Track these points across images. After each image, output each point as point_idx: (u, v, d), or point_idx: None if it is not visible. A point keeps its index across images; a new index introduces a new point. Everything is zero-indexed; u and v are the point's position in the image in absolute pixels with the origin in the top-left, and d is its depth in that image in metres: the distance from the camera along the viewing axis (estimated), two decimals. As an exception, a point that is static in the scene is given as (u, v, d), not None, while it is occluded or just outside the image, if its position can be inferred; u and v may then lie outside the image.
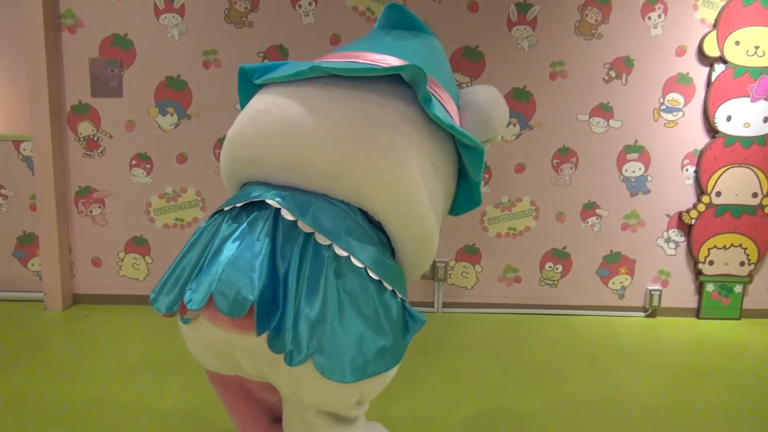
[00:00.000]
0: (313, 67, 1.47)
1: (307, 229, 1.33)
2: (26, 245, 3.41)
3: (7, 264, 3.43)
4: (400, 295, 1.41)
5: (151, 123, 3.28)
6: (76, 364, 2.61)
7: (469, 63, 3.23)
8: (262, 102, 1.51)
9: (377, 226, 1.48)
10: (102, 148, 3.31)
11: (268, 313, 1.26)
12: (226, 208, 1.45)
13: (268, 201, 1.38)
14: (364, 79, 1.51)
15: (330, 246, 1.33)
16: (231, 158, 1.56)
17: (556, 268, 3.45)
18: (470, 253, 3.44)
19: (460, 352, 2.86)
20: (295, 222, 1.34)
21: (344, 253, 1.33)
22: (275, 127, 1.44)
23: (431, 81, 1.57)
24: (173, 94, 3.24)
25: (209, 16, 3.18)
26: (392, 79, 1.51)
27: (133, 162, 3.32)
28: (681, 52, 3.22)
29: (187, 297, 1.29)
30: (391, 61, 1.54)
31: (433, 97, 1.49)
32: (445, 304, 3.47)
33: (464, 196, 1.77)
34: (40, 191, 3.25)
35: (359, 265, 1.34)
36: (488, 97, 1.73)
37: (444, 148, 1.58)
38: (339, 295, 1.29)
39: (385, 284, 1.37)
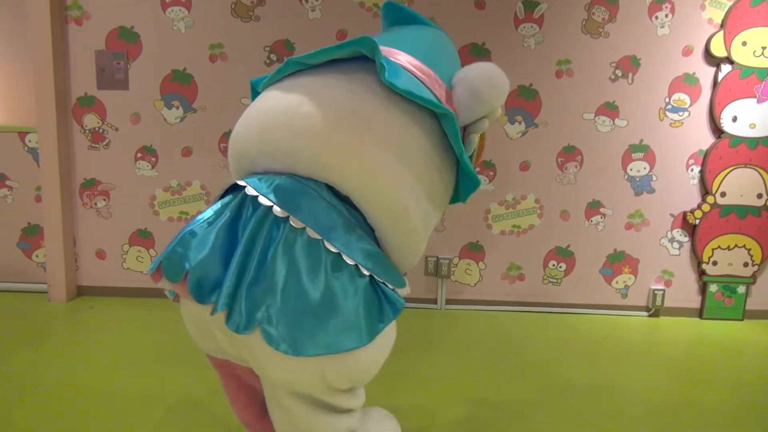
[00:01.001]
0: (288, 61, 1.55)
1: (267, 203, 1.35)
2: (31, 236, 3.42)
3: (12, 255, 3.43)
4: (369, 273, 1.37)
5: (157, 116, 3.28)
6: (80, 355, 2.62)
7: (476, 60, 3.22)
8: (255, 101, 1.60)
9: (351, 205, 1.46)
10: (107, 140, 3.31)
11: (210, 282, 1.29)
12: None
13: (239, 182, 1.44)
14: (338, 63, 1.55)
15: (287, 218, 1.34)
16: (230, 155, 1.64)
17: (560, 267, 3.45)
18: (474, 251, 3.44)
19: (463, 349, 2.86)
20: (256, 197, 1.37)
21: (300, 225, 1.33)
22: (253, 120, 1.53)
23: (415, 64, 1.56)
24: (179, 87, 3.25)
25: (216, 10, 3.18)
26: (365, 60, 1.53)
27: (138, 155, 3.32)
28: (688, 51, 3.21)
29: (151, 264, 1.38)
30: (395, 54, 1.56)
31: (400, 69, 1.49)
32: (449, 301, 3.47)
33: (463, 177, 1.70)
34: (45, 183, 3.25)
35: (316, 236, 1.33)
36: (481, 71, 1.65)
37: (416, 120, 1.51)
38: (290, 267, 1.29)
39: (345, 258, 1.34)
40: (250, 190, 1.38)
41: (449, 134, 1.55)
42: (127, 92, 3.26)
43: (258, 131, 1.50)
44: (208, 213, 1.40)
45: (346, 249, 1.35)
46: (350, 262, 1.34)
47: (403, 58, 1.56)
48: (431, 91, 1.53)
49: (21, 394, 2.21)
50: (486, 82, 1.61)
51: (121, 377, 2.39)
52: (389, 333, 1.45)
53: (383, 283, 1.41)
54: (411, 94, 1.45)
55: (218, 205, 1.42)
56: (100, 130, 3.30)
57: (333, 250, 1.33)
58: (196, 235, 1.33)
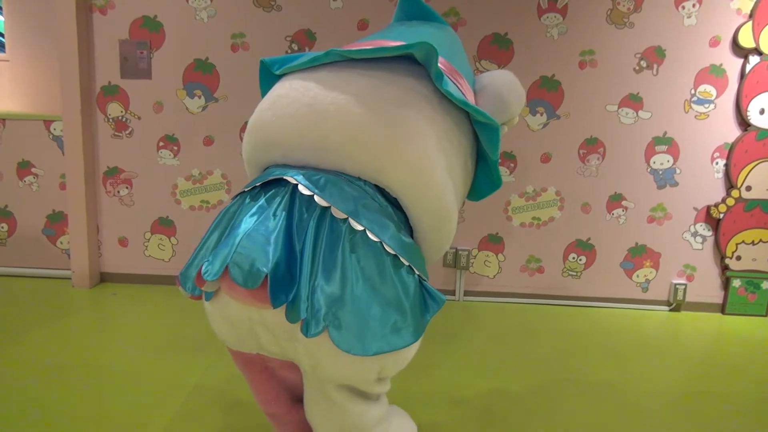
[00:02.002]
0: (329, 52, 1.50)
1: (324, 204, 1.34)
2: (55, 223, 3.48)
3: (37, 242, 3.50)
4: (417, 272, 1.40)
5: (179, 105, 3.30)
6: (103, 340, 2.67)
7: (498, 50, 3.21)
8: (281, 88, 1.54)
9: (395, 205, 1.48)
10: (130, 129, 3.35)
11: (283, 285, 1.26)
12: (247, 189, 1.49)
13: (286, 177, 1.40)
14: (377, 61, 1.53)
15: (346, 219, 1.33)
16: (252, 144, 1.58)
17: (580, 260, 3.42)
18: (493, 242, 3.43)
19: (481, 340, 2.86)
20: (311, 197, 1.35)
21: (360, 227, 1.33)
22: (291, 109, 1.46)
23: (449, 67, 1.59)
24: (201, 76, 3.27)
25: (238, 0, 3.19)
26: (406, 60, 1.53)
27: (161, 144, 3.35)
28: (715, 42, 3.15)
29: (204, 268, 1.29)
30: None
31: (446, 76, 1.50)
32: (467, 293, 3.47)
33: (483, 177, 1.76)
34: (69, 171, 3.30)
35: (375, 239, 1.33)
36: (504, 79, 1.73)
37: (459, 126, 1.56)
38: (355, 269, 1.29)
39: (402, 259, 1.36)
40: (304, 189, 1.36)
41: (489, 142, 1.60)
42: (150, 81, 3.28)
43: (304, 122, 1.44)
44: (253, 210, 1.37)
45: (401, 250, 1.37)
46: (405, 262, 1.37)
47: (464, 86, 1.62)
48: (462, 92, 1.57)
49: (46, 378, 2.26)
50: (511, 90, 1.69)
51: (142, 362, 2.43)
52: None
53: (420, 277, 1.42)
54: (466, 105, 1.50)
55: (262, 200, 1.39)
56: (124, 119, 3.34)
57: (391, 251, 1.35)
58: (257, 238, 1.29)
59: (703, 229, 3.36)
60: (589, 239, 3.40)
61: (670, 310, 3.44)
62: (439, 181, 1.45)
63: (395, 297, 1.32)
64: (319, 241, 1.31)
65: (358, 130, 1.40)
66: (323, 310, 1.25)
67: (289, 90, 1.50)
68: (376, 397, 1.54)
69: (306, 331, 1.26)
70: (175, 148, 3.35)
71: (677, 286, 3.38)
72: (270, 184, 1.44)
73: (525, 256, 3.44)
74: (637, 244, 3.39)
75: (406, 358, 1.44)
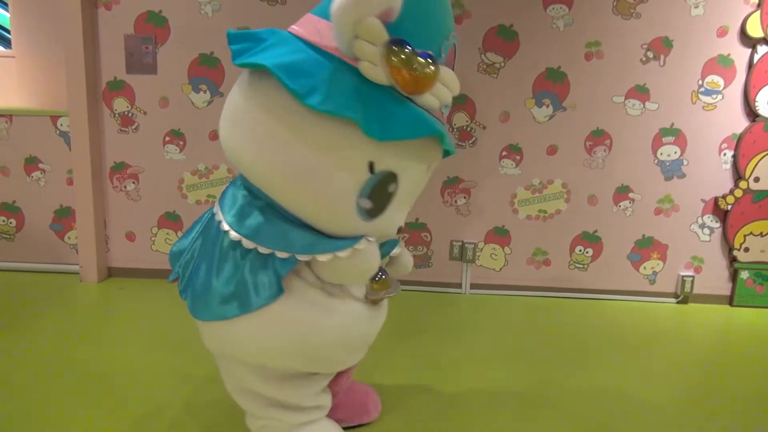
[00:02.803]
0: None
1: (224, 226, 1.48)
2: (63, 219, 3.50)
3: (45, 237, 3.52)
4: (252, 246, 1.42)
5: (185, 100, 3.31)
6: (111, 334, 2.68)
7: (503, 42, 3.19)
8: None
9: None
10: (136, 124, 3.36)
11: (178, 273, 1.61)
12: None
13: (214, 206, 1.61)
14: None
15: (215, 209, 1.54)
16: None
17: (587, 252, 3.41)
18: (499, 235, 3.42)
19: (487, 334, 2.86)
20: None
21: (220, 217, 1.49)
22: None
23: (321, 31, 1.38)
24: (206, 71, 3.27)
25: (243, -7, 3.19)
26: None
27: (167, 138, 3.36)
28: (722, 32, 3.13)
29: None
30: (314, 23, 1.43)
31: (253, 47, 1.38)
32: (473, 286, 3.46)
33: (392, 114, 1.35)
34: (76, 166, 3.32)
35: (225, 228, 1.46)
36: None
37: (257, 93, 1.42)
38: (210, 252, 1.49)
39: (233, 234, 1.44)
40: (217, 214, 1.53)
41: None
42: (156, 76, 3.29)
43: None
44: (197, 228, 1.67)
45: (248, 235, 1.43)
46: (243, 243, 1.43)
47: (320, 26, 1.40)
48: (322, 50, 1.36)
49: (54, 372, 2.27)
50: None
51: (150, 356, 2.44)
52: (289, 312, 1.46)
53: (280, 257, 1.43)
54: (253, 65, 1.37)
55: (206, 215, 1.66)
56: (130, 114, 3.34)
57: (225, 229, 1.46)
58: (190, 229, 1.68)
59: (710, 220, 3.34)
60: (595, 231, 3.39)
61: (678, 303, 3.42)
62: (235, 143, 1.47)
63: (229, 275, 1.44)
64: (200, 237, 1.58)
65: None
66: (186, 284, 1.56)
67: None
68: (293, 406, 1.64)
69: (180, 294, 1.60)
70: (181, 142, 3.36)
71: (685, 278, 3.36)
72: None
73: (531, 249, 3.43)
74: (644, 236, 3.38)
75: (242, 334, 1.48)
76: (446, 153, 1.63)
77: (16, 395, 2.08)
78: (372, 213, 1.45)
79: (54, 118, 3.38)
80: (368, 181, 1.39)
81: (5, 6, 3.49)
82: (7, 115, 3.38)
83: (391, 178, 1.42)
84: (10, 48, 3.53)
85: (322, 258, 1.42)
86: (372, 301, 1.62)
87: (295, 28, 1.44)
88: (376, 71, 1.28)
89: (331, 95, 1.27)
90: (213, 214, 1.55)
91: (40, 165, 3.43)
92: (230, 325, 1.47)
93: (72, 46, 3.18)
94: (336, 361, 1.61)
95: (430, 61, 1.28)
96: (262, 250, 1.41)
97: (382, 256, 1.59)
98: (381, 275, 1.62)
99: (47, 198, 3.47)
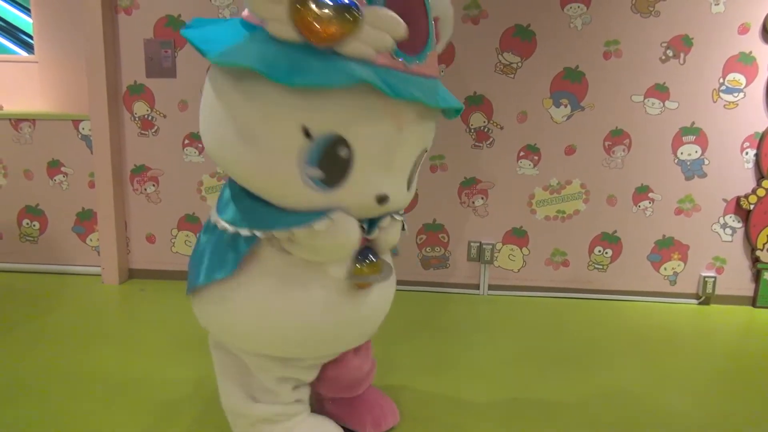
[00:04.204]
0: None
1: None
2: (85, 221, 3.55)
3: (68, 239, 3.57)
4: (225, 225, 1.45)
5: (203, 103, 3.34)
6: (133, 335, 2.71)
7: (521, 42, 3.18)
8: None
9: None
10: (156, 127, 3.40)
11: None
12: None
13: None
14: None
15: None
16: None
17: (606, 253, 3.39)
18: (517, 236, 3.41)
19: (506, 335, 2.85)
20: None
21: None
22: None
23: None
24: (224, 74, 3.29)
25: (260, -3, 3.20)
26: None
27: (186, 141, 3.40)
28: (744, 29, 3.08)
29: None
30: None
31: (207, 30, 1.40)
32: (491, 287, 3.45)
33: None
34: (98, 169, 3.36)
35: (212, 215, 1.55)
36: None
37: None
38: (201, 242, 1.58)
39: (213, 216, 1.52)
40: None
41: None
42: (175, 80, 3.32)
43: None
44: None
45: (218, 211, 1.52)
46: (213, 219, 1.52)
47: None
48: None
49: (75, 373, 2.30)
50: None
51: (171, 357, 2.47)
52: (245, 288, 1.48)
53: (245, 230, 1.43)
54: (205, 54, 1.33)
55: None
56: (149, 118, 3.38)
57: (212, 220, 1.53)
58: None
59: (732, 220, 3.30)
60: (615, 232, 3.36)
61: (699, 304, 3.38)
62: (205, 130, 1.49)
63: (203, 248, 1.54)
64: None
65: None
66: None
67: None
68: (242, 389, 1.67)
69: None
70: (200, 145, 3.39)
71: (706, 279, 3.32)
72: None
73: (550, 250, 3.41)
74: (664, 236, 3.34)
75: (206, 309, 1.59)
76: (453, 112, 1.51)
77: (37, 396, 2.12)
78: (328, 182, 1.35)
79: (76, 122, 3.43)
80: (311, 149, 1.30)
81: (28, 12, 3.56)
82: (31, 120, 3.44)
83: (338, 142, 1.32)
84: (33, 53, 3.60)
85: (279, 235, 1.42)
86: (357, 285, 1.50)
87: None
88: (284, 29, 1.22)
89: (233, 50, 1.26)
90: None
91: (63, 168, 3.49)
92: (200, 297, 1.58)
93: (93, 50, 3.22)
94: (297, 345, 1.55)
95: (346, 6, 1.19)
96: (230, 228, 1.44)
97: (369, 231, 1.51)
98: (370, 257, 1.51)
99: (69, 201, 3.53)
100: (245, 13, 1.38)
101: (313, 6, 1.18)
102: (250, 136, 1.32)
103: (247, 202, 1.44)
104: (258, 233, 1.40)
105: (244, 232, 1.41)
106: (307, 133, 1.29)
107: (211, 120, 1.41)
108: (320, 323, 1.49)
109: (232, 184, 1.52)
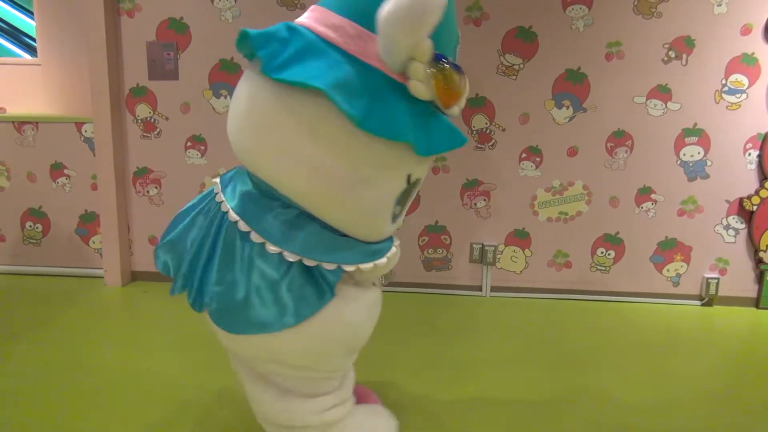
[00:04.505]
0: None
1: (225, 208, 1.48)
2: (88, 223, 3.56)
3: (70, 241, 3.58)
4: (295, 259, 1.40)
5: (206, 105, 3.35)
6: (136, 337, 2.72)
7: (522, 44, 3.17)
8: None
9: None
10: (158, 129, 3.40)
11: (182, 278, 1.53)
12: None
13: (217, 194, 1.56)
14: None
15: (234, 217, 1.45)
16: None
17: (608, 254, 3.38)
18: (520, 238, 3.40)
19: (509, 336, 2.85)
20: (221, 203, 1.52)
21: (236, 218, 1.44)
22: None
23: (322, 15, 1.39)
24: (227, 76, 3.30)
25: (263, 0, 3.22)
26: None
27: (188, 143, 3.40)
28: (746, 30, 3.08)
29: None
30: (328, 17, 1.39)
31: (280, 51, 1.36)
32: (494, 288, 3.45)
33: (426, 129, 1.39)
34: (100, 171, 3.37)
35: (245, 229, 1.43)
36: (387, 5, 1.23)
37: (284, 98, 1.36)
38: (226, 256, 1.44)
39: (268, 246, 1.40)
40: (219, 194, 1.53)
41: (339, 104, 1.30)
42: (177, 82, 3.33)
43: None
44: (194, 200, 1.63)
45: (270, 238, 1.41)
46: (273, 250, 1.40)
47: (335, 20, 1.37)
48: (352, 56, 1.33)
49: (78, 375, 2.31)
50: (385, 17, 1.23)
51: (174, 359, 2.47)
52: (332, 316, 1.48)
53: (325, 267, 1.44)
54: (280, 79, 1.32)
55: (204, 193, 1.62)
56: (152, 120, 3.39)
57: (258, 240, 1.41)
58: (174, 222, 1.60)
59: (735, 221, 3.29)
60: (617, 233, 3.36)
61: (702, 305, 3.37)
62: (253, 150, 1.48)
63: (262, 284, 1.41)
64: (211, 231, 1.49)
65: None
66: (205, 292, 1.48)
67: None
68: (305, 393, 1.61)
69: (191, 305, 1.53)
70: (203, 147, 3.40)
71: (709, 281, 3.31)
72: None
73: (552, 251, 3.41)
74: (667, 237, 3.34)
75: (287, 345, 1.47)
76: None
77: (42, 398, 2.12)
78: (397, 216, 1.54)
79: (79, 125, 3.44)
80: (403, 191, 1.48)
81: (31, 15, 3.56)
82: (34, 122, 3.45)
83: (417, 183, 1.53)
84: (36, 56, 3.61)
85: (379, 263, 1.52)
86: (373, 284, 1.68)
87: (319, 29, 1.38)
88: (422, 88, 1.31)
89: (385, 118, 1.29)
90: (215, 215, 1.51)
91: (66, 171, 3.50)
92: (276, 335, 1.45)
93: (95, 53, 3.23)
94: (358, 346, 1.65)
95: (462, 70, 1.35)
96: (308, 262, 1.42)
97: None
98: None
99: (72, 203, 3.53)
100: (329, 33, 1.35)
101: (449, 71, 1.32)
102: (365, 179, 1.39)
103: (317, 232, 1.45)
104: (348, 268, 1.46)
105: (329, 266, 1.44)
106: (408, 180, 1.47)
107: (308, 157, 1.36)
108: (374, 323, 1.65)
109: (292, 211, 1.44)
